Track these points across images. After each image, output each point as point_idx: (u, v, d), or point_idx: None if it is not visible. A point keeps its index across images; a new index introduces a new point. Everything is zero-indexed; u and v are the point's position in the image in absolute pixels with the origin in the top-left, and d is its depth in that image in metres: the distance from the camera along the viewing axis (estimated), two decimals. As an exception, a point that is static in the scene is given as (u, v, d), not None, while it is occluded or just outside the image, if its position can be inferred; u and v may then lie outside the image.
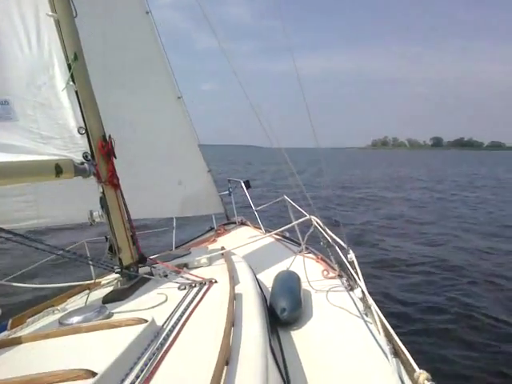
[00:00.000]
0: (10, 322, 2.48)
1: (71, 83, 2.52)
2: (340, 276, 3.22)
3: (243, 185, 5.84)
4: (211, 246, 4.00)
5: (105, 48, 4.03)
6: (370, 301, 2.42)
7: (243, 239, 4.72)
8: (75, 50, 2.57)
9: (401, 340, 2.05)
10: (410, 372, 1.94)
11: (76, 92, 2.55)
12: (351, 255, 2.70)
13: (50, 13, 2.49)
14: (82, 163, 2.53)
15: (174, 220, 5.55)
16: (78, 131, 2.53)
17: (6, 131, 2.34)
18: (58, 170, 2.30)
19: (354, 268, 2.64)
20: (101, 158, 2.64)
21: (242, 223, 5.87)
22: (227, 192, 6.12)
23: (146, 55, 4.68)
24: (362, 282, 2.49)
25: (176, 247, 5.19)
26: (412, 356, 1.93)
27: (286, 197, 4.69)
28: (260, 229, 5.24)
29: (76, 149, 2.53)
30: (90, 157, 2.56)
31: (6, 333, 2.42)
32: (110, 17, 4.17)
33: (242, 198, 6.18)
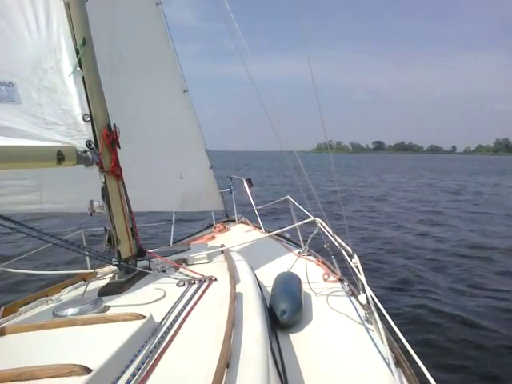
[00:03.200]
0: (1, 310, 2.42)
1: (78, 69, 2.45)
2: (341, 280, 3.16)
3: (245, 183, 5.78)
4: (210, 243, 3.93)
5: (112, 36, 3.97)
6: (374, 307, 2.36)
7: (243, 238, 4.66)
8: (84, 34, 2.50)
9: (406, 350, 1.99)
10: (413, 382, 1.90)
11: (83, 78, 2.48)
12: (356, 260, 2.64)
13: None
14: (85, 151, 2.46)
15: (174, 214, 5.49)
16: (83, 118, 2.46)
17: (9, 114, 2.27)
18: (59, 157, 2.24)
19: (358, 272, 2.58)
20: (105, 147, 2.57)
21: (242, 222, 5.82)
22: (228, 189, 6.06)
23: (154, 47, 4.62)
24: (367, 288, 2.43)
25: (174, 242, 5.14)
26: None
27: (289, 197, 4.63)
28: (260, 228, 5.19)
29: (80, 136, 2.47)
30: (93, 145, 2.50)
31: None
32: (121, 4, 4.11)
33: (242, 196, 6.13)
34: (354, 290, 2.89)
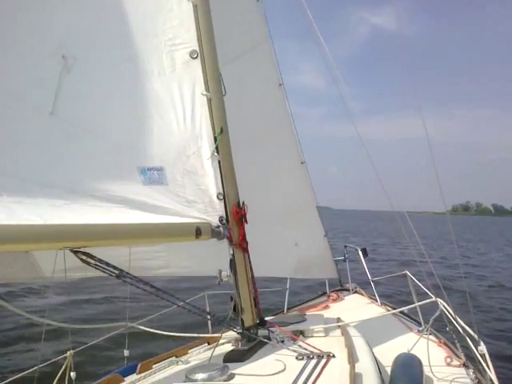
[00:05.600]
0: (138, 366, 2.71)
1: (215, 154, 2.80)
2: (465, 366, 2.96)
3: (360, 252, 5.75)
4: (325, 314, 3.95)
5: (239, 116, 4.40)
6: None
7: (358, 310, 4.60)
8: (222, 124, 2.88)
9: None
10: None
11: (219, 162, 2.83)
12: (482, 348, 2.48)
13: (204, 92, 2.84)
14: (218, 226, 2.75)
15: (288, 281, 5.60)
16: (217, 197, 2.77)
17: (158, 194, 2.65)
18: (197, 232, 2.55)
19: (485, 362, 2.41)
20: (234, 222, 2.85)
21: (356, 291, 5.73)
22: (342, 258, 6.07)
23: (276, 124, 5.01)
24: (495, 381, 2.27)
25: (288, 309, 5.22)
26: None
27: (408, 272, 4.51)
28: (376, 300, 5.06)
29: (214, 213, 2.77)
30: (225, 221, 2.78)
31: (135, 376, 2.65)
32: (247, 87, 4.57)
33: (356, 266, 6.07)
34: (481, 378, 2.69)
